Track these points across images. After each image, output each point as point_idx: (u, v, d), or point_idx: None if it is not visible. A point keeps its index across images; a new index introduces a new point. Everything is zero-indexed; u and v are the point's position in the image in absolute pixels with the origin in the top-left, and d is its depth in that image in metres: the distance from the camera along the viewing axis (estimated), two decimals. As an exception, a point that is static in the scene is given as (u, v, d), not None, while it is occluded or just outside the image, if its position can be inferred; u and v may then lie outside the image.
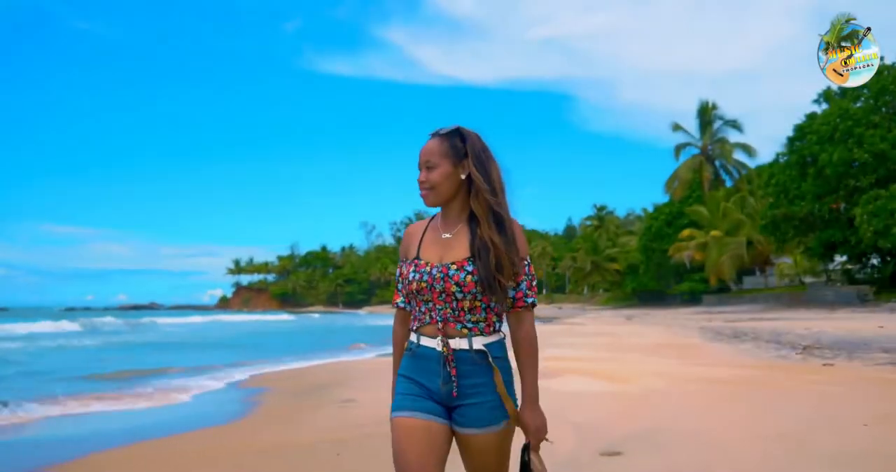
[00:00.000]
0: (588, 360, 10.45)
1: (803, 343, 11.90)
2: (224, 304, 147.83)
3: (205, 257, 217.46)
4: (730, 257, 42.05)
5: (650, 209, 61.62)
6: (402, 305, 2.08)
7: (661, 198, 55.50)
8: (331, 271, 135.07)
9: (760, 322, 19.69)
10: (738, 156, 49.76)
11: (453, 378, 1.91)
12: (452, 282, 1.91)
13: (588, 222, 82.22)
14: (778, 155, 34.18)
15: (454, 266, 1.92)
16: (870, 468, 3.88)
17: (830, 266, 34.95)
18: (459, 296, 1.91)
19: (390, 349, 2.21)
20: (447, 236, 1.99)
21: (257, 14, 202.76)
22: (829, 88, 32.65)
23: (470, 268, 1.91)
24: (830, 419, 5.23)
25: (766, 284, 45.63)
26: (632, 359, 10.69)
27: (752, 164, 49.15)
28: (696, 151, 50.96)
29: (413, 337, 2.01)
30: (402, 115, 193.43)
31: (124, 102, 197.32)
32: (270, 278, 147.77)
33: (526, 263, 1.97)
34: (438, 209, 2.05)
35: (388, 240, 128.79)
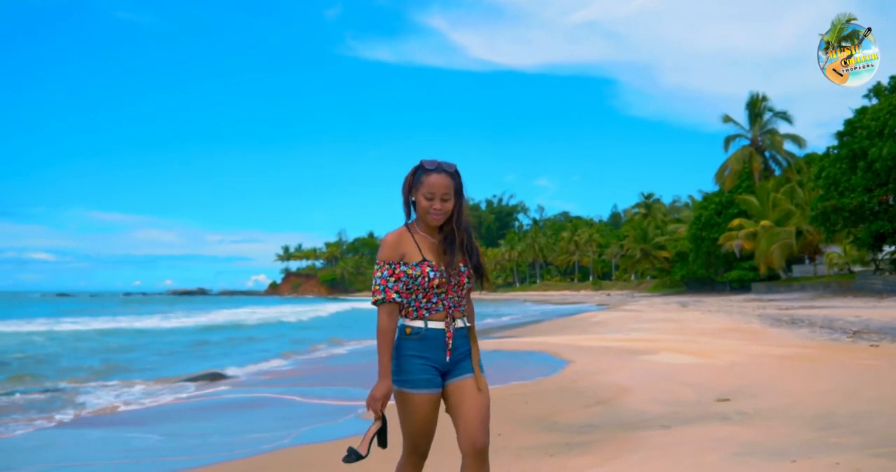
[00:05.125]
0: (670, 341, 12.66)
1: (853, 328, 13.88)
2: (274, 289, 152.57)
3: (249, 243, 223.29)
4: (779, 246, 43.44)
5: (696, 195, 63.13)
6: (398, 299, 2.48)
7: (707, 183, 56.93)
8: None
9: (812, 310, 21.48)
10: (788, 146, 50.90)
11: (449, 348, 2.52)
12: (465, 276, 2.54)
13: (635, 210, 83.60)
14: (829, 149, 35.58)
15: (461, 265, 2.53)
16: (896, 407, 6.04)
17: (879, 256, 36.21)
18: (467, 287, 2.56)
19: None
20: (434, 242, 2.56)
21: (298, 1, 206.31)
22: (879, 84, 33.82)
23: (464, 268, 2.55)
24: (872, 379, 7.37)
25: (815, 272, 46.79)
26: (706, 341, 12.83)
27: (800, 153, 50.22)
28: (745, 142, 52.19)
29: (419, 323, 2.49)
30: (443, 100, 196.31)
31: (167, 91, 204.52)
32: (318, 264, 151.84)
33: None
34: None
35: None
